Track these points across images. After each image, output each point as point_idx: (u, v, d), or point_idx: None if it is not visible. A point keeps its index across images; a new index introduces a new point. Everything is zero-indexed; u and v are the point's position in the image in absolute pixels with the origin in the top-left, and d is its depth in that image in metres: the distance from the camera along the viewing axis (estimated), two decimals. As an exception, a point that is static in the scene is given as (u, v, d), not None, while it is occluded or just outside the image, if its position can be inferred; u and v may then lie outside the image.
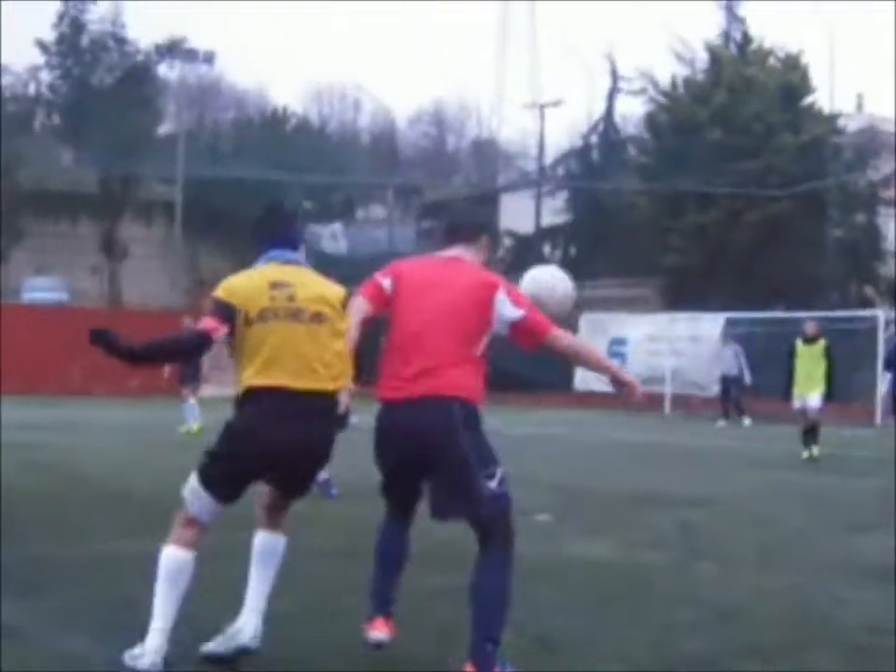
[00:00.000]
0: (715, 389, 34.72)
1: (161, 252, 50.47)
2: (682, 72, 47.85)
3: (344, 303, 6.20)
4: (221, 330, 5.93)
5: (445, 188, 68.71)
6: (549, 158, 57.89)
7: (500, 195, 62.44)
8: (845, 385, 27.93)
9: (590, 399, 37.28)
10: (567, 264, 54.71)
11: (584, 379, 39.45)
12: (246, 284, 6.13)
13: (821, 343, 20.41)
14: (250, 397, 6.00)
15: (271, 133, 59.25)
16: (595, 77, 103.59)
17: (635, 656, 6.66)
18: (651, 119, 48.58)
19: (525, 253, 55.10)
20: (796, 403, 20.40)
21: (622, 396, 6.29)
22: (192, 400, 22.67)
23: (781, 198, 42.04)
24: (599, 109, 56.31)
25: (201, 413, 21.78)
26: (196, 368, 22.32)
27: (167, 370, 23.35)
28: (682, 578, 9.07)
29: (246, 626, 6.10)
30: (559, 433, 26.54)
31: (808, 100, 45.77)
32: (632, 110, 56.06)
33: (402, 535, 6.28)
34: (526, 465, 18.31)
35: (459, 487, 5.83)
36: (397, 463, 6.02)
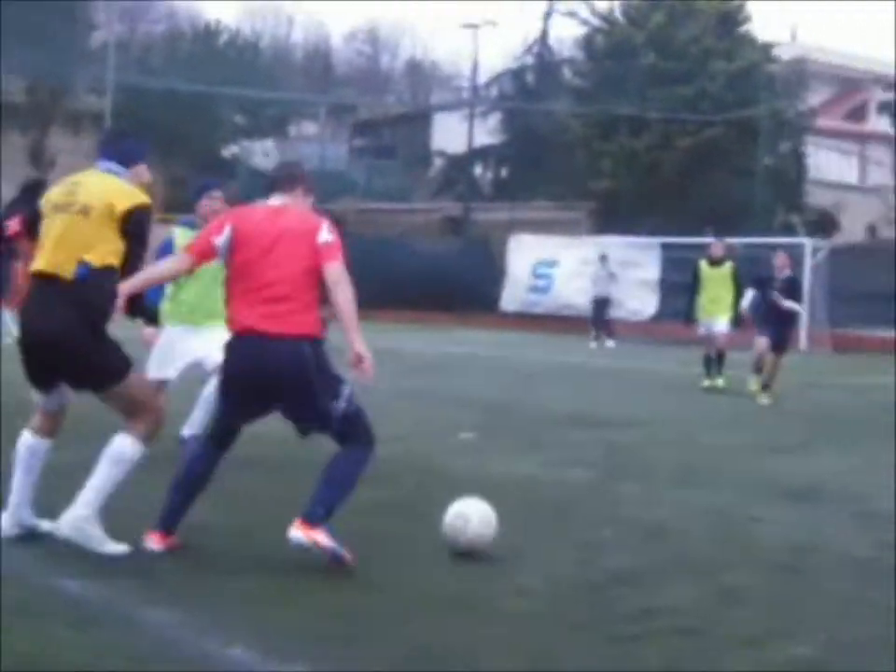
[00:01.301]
0: (647, 313, 35.07)
1: (90, 163, 49.63)
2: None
3: (129, 211, 6.45)
4: (13, 228, 6.48)
5: (378, 106, 68.30)
6: (483, 79, 57.62)
7: (433, 114, 62.15)
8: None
9: (515, 320, 37.36)
10: (498, 185, 54.72)
11: (509, 300, 39.53)
12: (52, 189, 6.73)
13: (728, 265, 19.31)
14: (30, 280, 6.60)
15: (203, 46, 58.53)
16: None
17: (559, 572, 6.67)
18: (586, 41, 48.34)
19: (455, 173, 54.95)
20: (701, 329, 19.45)
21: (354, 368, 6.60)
22: (6, 311, 19.67)
23: (714, 123, 42.08)
24: (535, 31, 56.07)
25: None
26: (4, 276, 19.33)
27: None
28: (607, 496, 9.09)
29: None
30: (484, 353, 26.53)
31: (744, 28, 45.77)
32: (568, 33, 55.87)
33: (217, 461, 6.80)
34: (450, 383, 18.37)
35: (308, 413, 6.59)
36: (244, 394, 6.62)
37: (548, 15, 54.61)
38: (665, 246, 35.74)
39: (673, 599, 6.24)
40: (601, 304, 32.85)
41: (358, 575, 6.38)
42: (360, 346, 6.43)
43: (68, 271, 6.31)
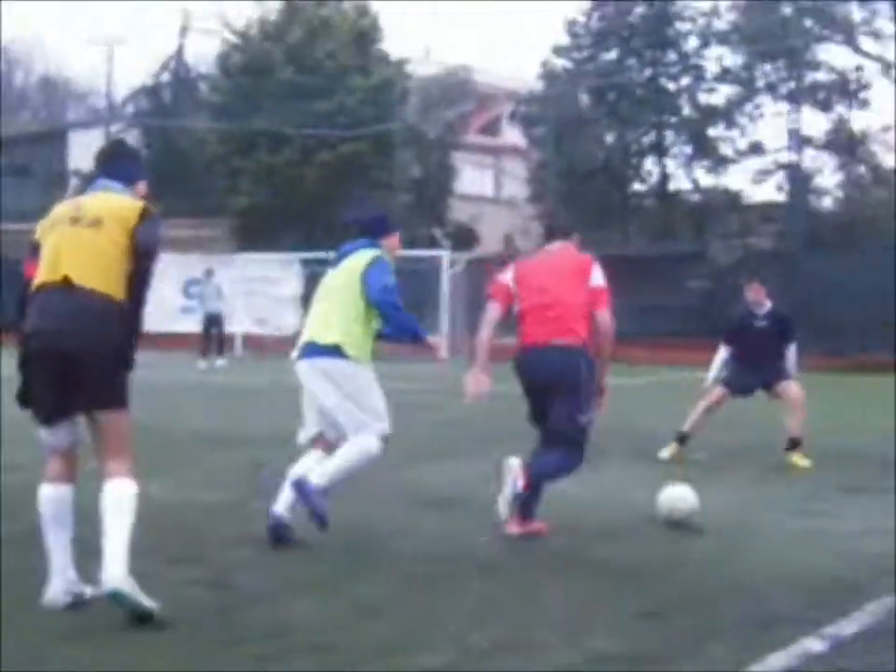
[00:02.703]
0: (289, 329, 34.94)
1: None
2: (255, 13, 47.53)
3: (141, 215, 6.15)
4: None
5: (12, 124, 66.44)
6: (120, 96, 56.64)
7: (69, 132, 60.82)
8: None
9: (165, 340, 36.78)
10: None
11: (159, 321, 38.83)
12: (53, 211, 6.32)
13: None
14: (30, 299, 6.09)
15: None
16: (169, 16, 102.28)
17: (188, 594, 6.51)
18: (222, 58, 48.11)
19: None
20: None
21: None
22: None
23: (351, 138, 42.42)
24: (172, 47, 55.47)
25: None
26: None
27: None
28: (241, 516, 8.91)
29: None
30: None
31: (378, 45, 46.39)
32: (205, 49, 55.52)
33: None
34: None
35: (568, 411, 8.09)
36: (534, 398, 8.42)
37: (184, 30, 54.13)
38: (305, 262, 35.73)
39: (307, 615, 6.20)
40: (212, 321, 31.48)
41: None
42: (604, 382, 8.28)
43: (95, 282, 5.99)
